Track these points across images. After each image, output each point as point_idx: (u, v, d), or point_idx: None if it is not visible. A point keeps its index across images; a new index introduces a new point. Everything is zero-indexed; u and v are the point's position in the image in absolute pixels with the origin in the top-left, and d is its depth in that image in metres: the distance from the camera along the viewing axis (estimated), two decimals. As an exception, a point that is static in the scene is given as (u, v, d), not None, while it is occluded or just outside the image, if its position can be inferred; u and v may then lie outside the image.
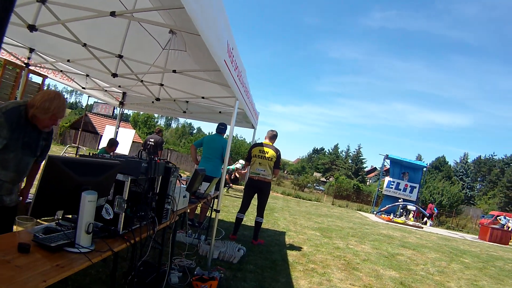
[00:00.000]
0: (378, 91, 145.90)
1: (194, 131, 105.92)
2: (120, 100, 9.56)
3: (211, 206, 7.49)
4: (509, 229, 26.67)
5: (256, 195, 8.42)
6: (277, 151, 8.27)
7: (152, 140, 13.96)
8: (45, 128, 3.26)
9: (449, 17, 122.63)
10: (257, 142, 8.72)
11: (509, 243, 23.68)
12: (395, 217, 24.03)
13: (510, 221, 30.14)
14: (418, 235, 16.39)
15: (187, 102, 9.08)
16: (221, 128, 8.74)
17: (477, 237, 24.35)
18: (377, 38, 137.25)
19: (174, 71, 5.53)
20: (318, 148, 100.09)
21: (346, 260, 8.05)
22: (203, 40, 3.33)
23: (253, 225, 8.47)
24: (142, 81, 7.18)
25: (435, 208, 30.45)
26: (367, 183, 75.33)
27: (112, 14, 3.73)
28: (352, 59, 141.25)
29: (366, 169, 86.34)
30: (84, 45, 5.22)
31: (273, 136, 8.53)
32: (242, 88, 5.80)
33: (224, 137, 8.74)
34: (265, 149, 8.28)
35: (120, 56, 5.53)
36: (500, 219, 29.85)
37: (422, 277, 7.92)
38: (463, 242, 17.66)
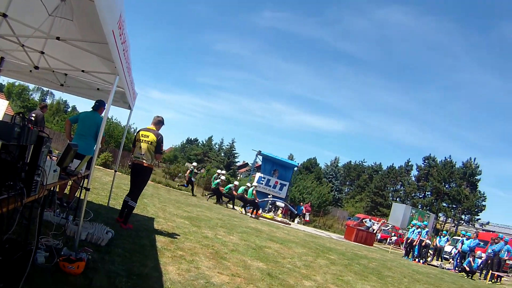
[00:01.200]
0: (259, 89, 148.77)
1: (69, 109, 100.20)
2: (-4, 65, 8.78)
3: (81, 185, 7.18)
4: (374, 232, 28.78)
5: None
6: (158, 135, 8.19)
7: (34, 114, 13.26)
8: None
9: (338, 28, 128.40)
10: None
11: (373, 244, 25.53)
12: (264, 212, 24.76)
13: (375, 224, 32.52)
14: (285, 231, 17.05)
15: (65, 75, 8.66)
16: (97, 105, 8.48)
17: (343, 237, 25.94)
18: (265, 37, 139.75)
19: (58, 38, 5.20)
20: (192, 139, 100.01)
21: (215, 249, 8.12)
22: (96, 5, 3.16)
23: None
24: (23, 45, 6.65)
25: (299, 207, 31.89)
26: (238, 177, 76.72)
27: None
28: (236, 54, 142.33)
29: (238, 164, 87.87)
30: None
31: (157, 122, 8.44)
32: (125, 64, 5.62)
33: (102, 115, 8.44)
34: (147, 133, 8.20)
35: (5, 16, 5.04)
36: (365, 222, 32.10)
37: (289, 269, 8.22)
38: (329, 240, 18.63)
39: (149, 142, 8.09)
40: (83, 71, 7.62)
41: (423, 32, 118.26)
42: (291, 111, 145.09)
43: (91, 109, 8.47)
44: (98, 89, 9.00)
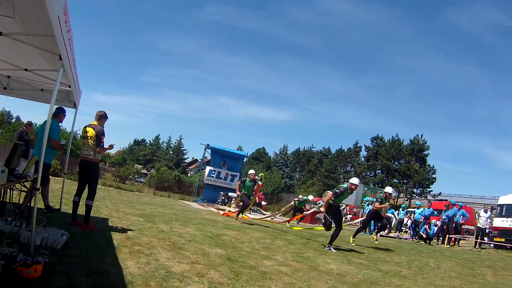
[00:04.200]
0: (205, 85, 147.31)
1: (13, 120, 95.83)
2: None
3: (30, 188, 7.06)
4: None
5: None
6: (96, 129, 8.23)
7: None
8: None
9: (283, 20, 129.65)
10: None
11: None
12: (218, 204, 24.82)
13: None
14: (240, 219, 17.11)
15: (8, 77, 8.43)
16: (56, 112, 8.64)
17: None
18: (209, 33, 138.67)
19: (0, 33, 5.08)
20: (139, 140, 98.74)
21: (172, 241, 8.15)
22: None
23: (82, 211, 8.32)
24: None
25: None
26: (189, 174, 76.48)
27: None
28: (181, 51, 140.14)
29: (187, 161, 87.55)
30: None
31: (99, 117, 8.48)
32: (70, 56, 5.54)
33: (61, 122, 9.06)
34: (88, 128, 8.28)
35: None
36: (319, 204, 32.69)
37: (248, 252, 8.37)
38: (285, 224, 18.73)
39: (90, 137, 8.16)
40: (26, 69, 7.46)
41: (368, 20, 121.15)
42: (238, 104, 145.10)
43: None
44: (42, 89, 8.84)
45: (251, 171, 16.81)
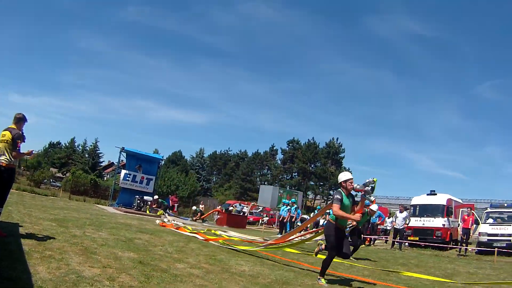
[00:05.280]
0: (122, 86, 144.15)
1: None
2: None
3: None
4: (245, 215, 30.18)
5: None
6: (13, 132, 8.07)
7: None
8: None
9: (203, 22, 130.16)
10: None
11: (246, 227, 26.83)
12: (133, 208, 24.66)
13: (245, 207, 33.95)
14: (156, 224, 17.25)
15: None
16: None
17: (215, 223, 26.76)
18: (129, 33, 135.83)
19: None
20: (55, 142, 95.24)
21: (84, 246, 8.19)
22: None
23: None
24: None
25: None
26: (105, 178, 74.87)
27: None
28: (100, 51, 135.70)
29: (103, 164, 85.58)
30: None
31: (17, 119, 8.30)
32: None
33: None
34: (4, 132, 8.10)
35: None
36: (235, 206, 33.41)
37: (161, 256, 8.54)
38: (207, 228, 18.89)
39: (6, 141, 7.97)
40: None
41: (287, 25, 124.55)
42: (155, 107, 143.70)
43: None
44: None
45: (346, 175, 8.86)
